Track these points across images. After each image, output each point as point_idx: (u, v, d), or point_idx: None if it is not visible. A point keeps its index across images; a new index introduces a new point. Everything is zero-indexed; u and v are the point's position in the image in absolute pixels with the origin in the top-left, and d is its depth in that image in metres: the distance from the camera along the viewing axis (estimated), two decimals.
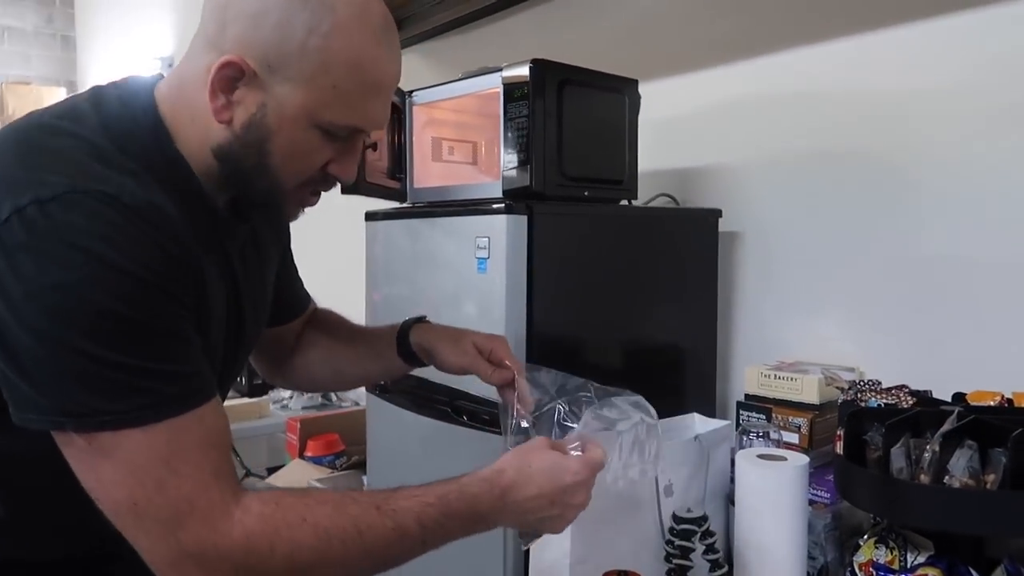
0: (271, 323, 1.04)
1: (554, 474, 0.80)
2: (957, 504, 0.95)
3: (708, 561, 1.02)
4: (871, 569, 1.08)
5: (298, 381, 1.18)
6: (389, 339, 1.08)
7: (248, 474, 2.97)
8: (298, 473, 2.15)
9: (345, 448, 2.25)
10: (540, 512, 0.80)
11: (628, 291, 1.46)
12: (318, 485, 2.02)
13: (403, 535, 0.73)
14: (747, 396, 1.37)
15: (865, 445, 1.07)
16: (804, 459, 1.09)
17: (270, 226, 0.99)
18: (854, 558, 1.13)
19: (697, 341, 1.56)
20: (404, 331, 1.08)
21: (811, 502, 1.21)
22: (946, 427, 0.98)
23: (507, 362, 1.00)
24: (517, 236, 1.27)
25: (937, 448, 0.98)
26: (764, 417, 1.31)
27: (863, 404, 1.13)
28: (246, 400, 2.64)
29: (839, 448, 1.10)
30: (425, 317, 1.11)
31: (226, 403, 2.89)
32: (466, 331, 1.06)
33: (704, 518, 1.02)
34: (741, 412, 1.35)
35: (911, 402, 1.11)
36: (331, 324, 1.16)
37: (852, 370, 1.36)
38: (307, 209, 0.86)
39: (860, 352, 1.39)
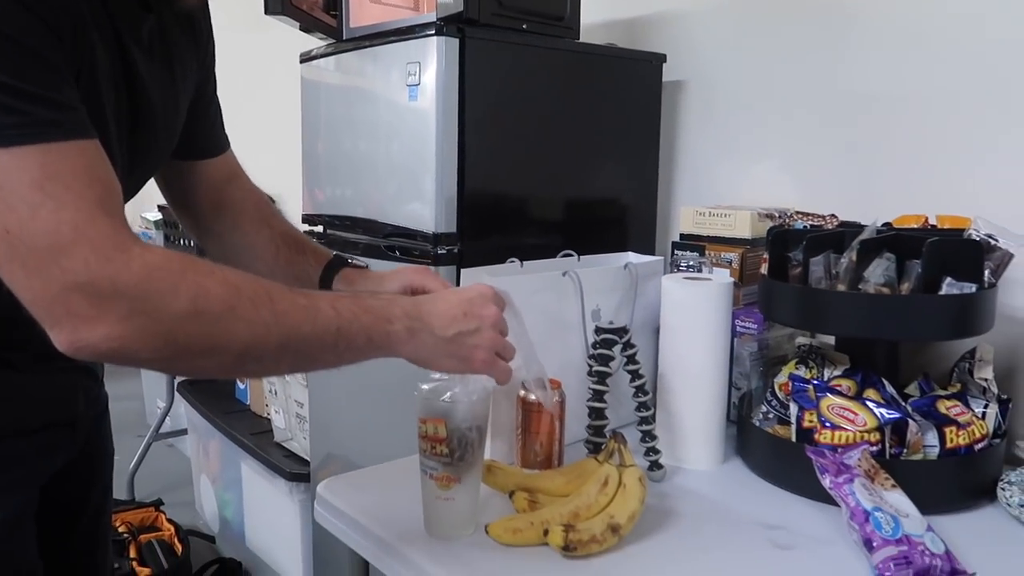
0: (180, 155, 0.99)
1: (456, 292, 0.82)
2: (869, 309, 0.96)
3: (628, 372, 1.03)
4: (789, 384, 1.10)
5: (214, 255, 1.08)
6: (315, 267, 1.01)
7: None
8: None
9: None
10: (456, 324, 0.77)
11: (567, 134, 1.43)
12: None
13: (316, 313, 0.70)
14: (682, 236, 1.37)
15: (788, 263, 1.07)
16: (729, 278, 1.09)
17: (190, 40, 0.94)
18: (775, 380, 1.15)
19: (638, 188, 1.55)
20: (330, 269, 1.00)
21: (739, 334, 1.22)
22: (864, 235, 0.99)
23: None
24: (449, 62, 1.23)
25: (854, 256, 0.98)
26: (697, 254, 1.31)
27: (789, 227, 1.13)
28: None
29: (764, 269, 1.11)
30: (350, 260, 1.02)
31: None
32: (395, 270, 0.99)
33: (625, 329, 1.03)
34: (676, 252, 1.35)
35: (836, 223, 1.11)
36: (264, 216, 1.07)
37: (787, 211, 1.36)
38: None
39: (797, 194, 1.38)
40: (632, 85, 1.51)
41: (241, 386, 2.42)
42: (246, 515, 2.19)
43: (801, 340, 1.27)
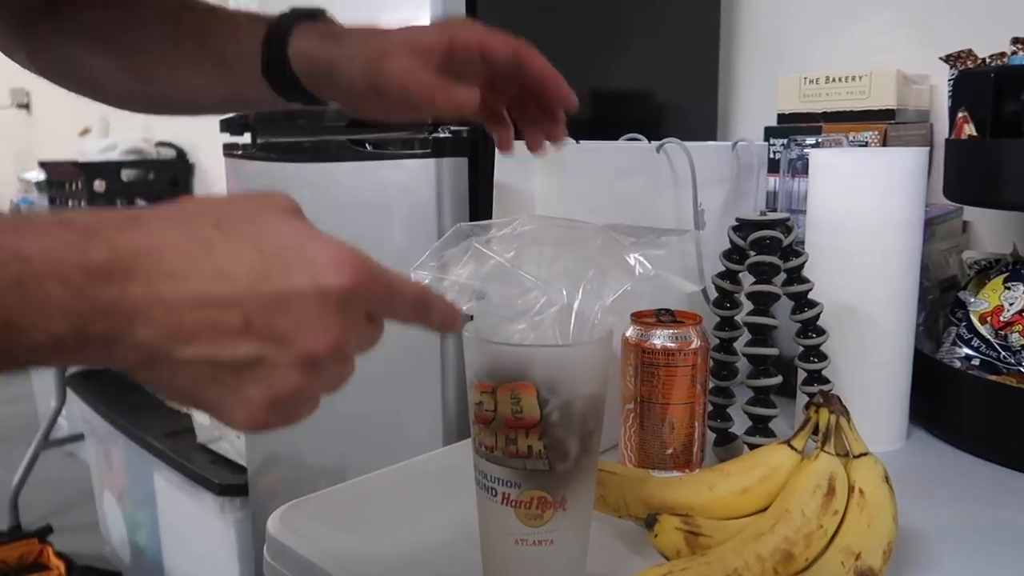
0: None
1: (277, 255, 0.30)
2: None
3: (790, 297, 0.61)
4: (1003, 314, 0.71)
5: (47, 62, 0.61)
6: (249, 40, 0.53)
7: None
8: None
9: None
10: (207, 326, 0.29)
11: (595, 6, 1.00)
12: None
13: None
14: (781, 117, 0.96)
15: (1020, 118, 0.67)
16: (922, 148, 0.68)
17: None
18: (971, 309, 0.75)
19: (693, 76, 1.13)
20: (279, 35, 0.53)
21: None
22: None
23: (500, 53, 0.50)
24: None
25: None
26: (811, 138, 0.90)
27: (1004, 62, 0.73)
28: None
29: (968, 130, 0.70)
30: (322, 12, 0.55)
31: None
32: (395, 30, 0.51)
33: (788, 224, 0.61)
34: (772, 140, 0.94)
35: None
36: None
37: (927, 77, 0.97)
38: None
39: (943, 53, 0.98)
40: None
41: None
42: (164, 541, 1.70)
43: (969, 254, 0.88)
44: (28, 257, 0.27)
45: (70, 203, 2.46)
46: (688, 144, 0.71)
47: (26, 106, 3.69)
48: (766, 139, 0.95)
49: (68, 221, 0.29)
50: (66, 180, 2.47)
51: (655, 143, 0.68)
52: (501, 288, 0.43)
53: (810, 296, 0.62)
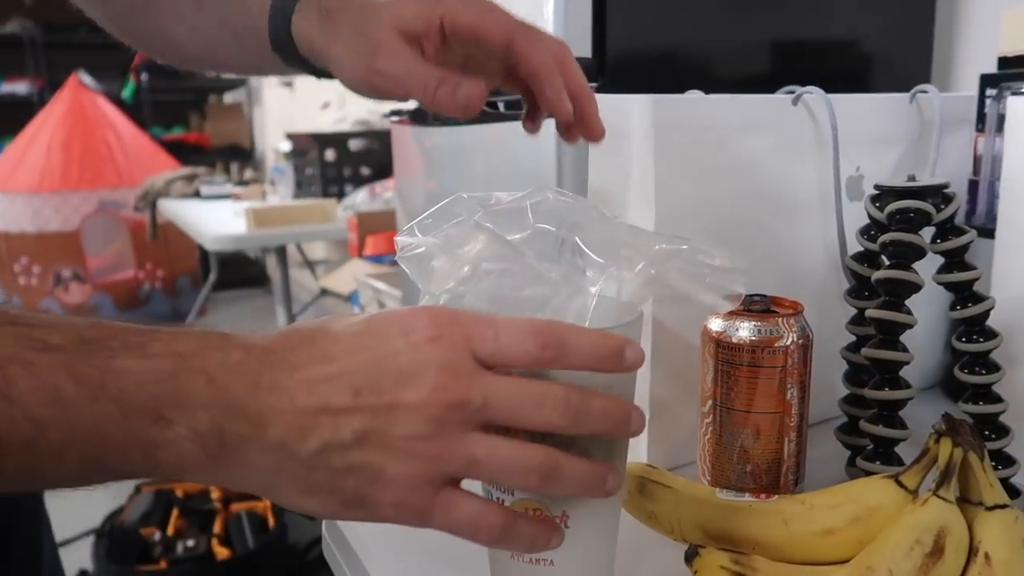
0: None
1: (373, 329, 0.32)
2: None
3: (948, 286, 0.48)
4: None
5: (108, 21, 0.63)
6: (258, 12, 0.52)
7: (323, 292, 2.66)
8: (350, 273, 1.75)
9: None
10: (329, 424, 0.30)
11: None
12: (370, 282, 1.60)
13: None
14: (1003, 61, 0.77)
15: None
16: None
17: None
18: None
19: (901, 13, 0.94)
20: (282, 13, 0.50)
21: None
22: None
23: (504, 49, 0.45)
24: None
25: None
26: None
27: None
28: (310, 201, 2.26)
29: None
30: None
31: (290, 203, 2.41)
32: (384, 5, 0.47)
33: (945, 193, 0.47)
34: (988, 90, 0.75)
35: None
36: None
37: None
38: None
39: None
40: None
41: None
42: None
43: None
44: (184, 354, 0.31)
45: (307, 171, 2.69)
46: (842, 96, 0.58)
47: (289, 84, 4.11)
48: (981, 89, 0.76)
49: (212, 328, 0.33)
50: (305, 150, 2.71)
51: (789, 95, 0.56)
52: (506, 275, 0.37)
53: (983, 288, 0.48)
